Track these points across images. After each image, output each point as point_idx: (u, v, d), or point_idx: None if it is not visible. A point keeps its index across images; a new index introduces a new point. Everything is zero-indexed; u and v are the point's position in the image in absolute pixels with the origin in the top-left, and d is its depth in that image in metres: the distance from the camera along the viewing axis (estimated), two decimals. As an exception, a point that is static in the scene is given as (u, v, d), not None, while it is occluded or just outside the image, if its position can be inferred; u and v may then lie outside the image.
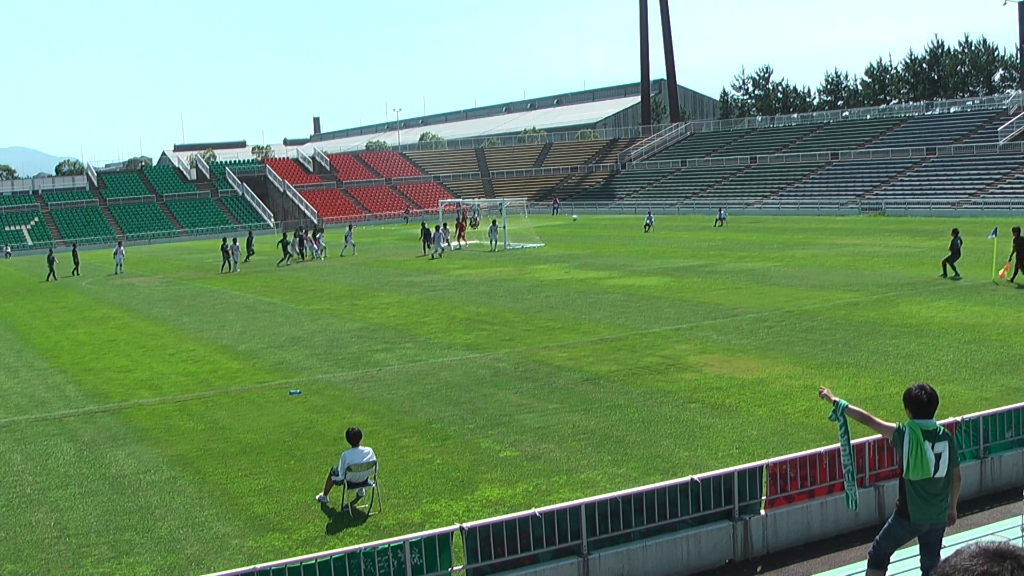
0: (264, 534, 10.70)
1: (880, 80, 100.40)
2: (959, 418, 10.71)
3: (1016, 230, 25.81)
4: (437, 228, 46.67)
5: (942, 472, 7.12)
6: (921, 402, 7.10)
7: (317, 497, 11.54)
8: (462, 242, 51.27)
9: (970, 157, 64.01)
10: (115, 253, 46.87)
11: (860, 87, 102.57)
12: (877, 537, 7.50)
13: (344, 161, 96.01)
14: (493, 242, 48.19)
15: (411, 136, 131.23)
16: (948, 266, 27.66)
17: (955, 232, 27.95)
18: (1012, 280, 25.51)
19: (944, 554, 7.62)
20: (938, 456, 7.10)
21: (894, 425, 7.27)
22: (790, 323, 21.82)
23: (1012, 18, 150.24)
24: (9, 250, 68.41)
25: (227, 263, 43.28)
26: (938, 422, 7.26)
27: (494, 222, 51.12)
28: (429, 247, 46.46)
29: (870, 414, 7.52)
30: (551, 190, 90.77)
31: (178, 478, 12.83)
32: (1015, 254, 25.54)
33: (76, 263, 46.55)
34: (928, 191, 61.41)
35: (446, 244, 47.17)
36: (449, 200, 73.83)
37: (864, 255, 35.51)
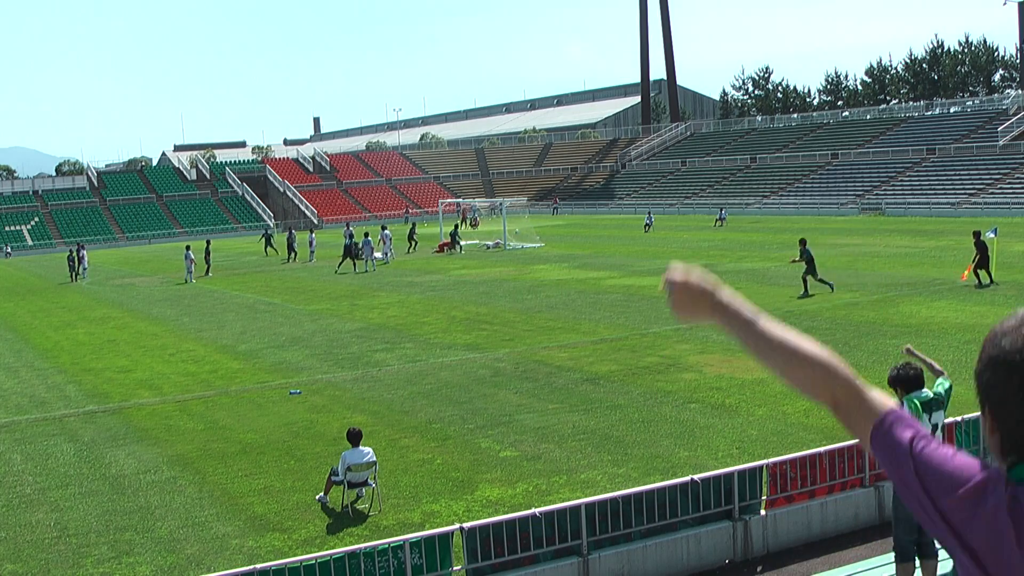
0: (264, 534, 10.70)
1: (880, 80, 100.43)
2: (959, 418, 10.71)
3: (976, 233, 25.75)
4: (366, 236, 41.66)
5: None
6: (908, 377, 7.19)
7: (317, 497, 11.54)
8: (450, 249, 48.26)
9: (970, 157, 64.02)
10: (80, 256, 45.30)
11: (860, 87, 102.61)
12: (894, 531, 7.53)
13: (344, 161, 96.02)
14: (486, 243, 48.45)
15: (411, 136, 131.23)
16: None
17: (976, 233, 25.91)
18: (980, 282, 25.38)
19: (943, 556, 7.64)
20: (935, 427, 7.18)
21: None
22: (790, 323, 21.44)
23: (1012, 18, 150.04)
24: (9, 250, 68.43)
25: (189, 275, 40.21)
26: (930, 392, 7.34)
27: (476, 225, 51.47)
28: (359, 261, 40.55)
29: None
30: (551, 190, 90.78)
31: (178, 478, 12.83)
32: (977, 256, 25.45)
33: (80, 262, 46.34)
34: (928, 191, 61.41)
35: (381, 255, 42.48)
36: (449, 200, 73.82)
37: (864, 255, 35.52)
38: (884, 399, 1.75)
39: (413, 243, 48.87)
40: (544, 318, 24.57)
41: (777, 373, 1.84)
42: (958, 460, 1.60)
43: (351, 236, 41.99)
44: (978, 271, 25.54)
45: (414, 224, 47.48)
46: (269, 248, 52.01)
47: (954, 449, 1.63)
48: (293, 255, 46.90)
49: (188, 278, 39.61)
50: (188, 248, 41.66)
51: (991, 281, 25.46)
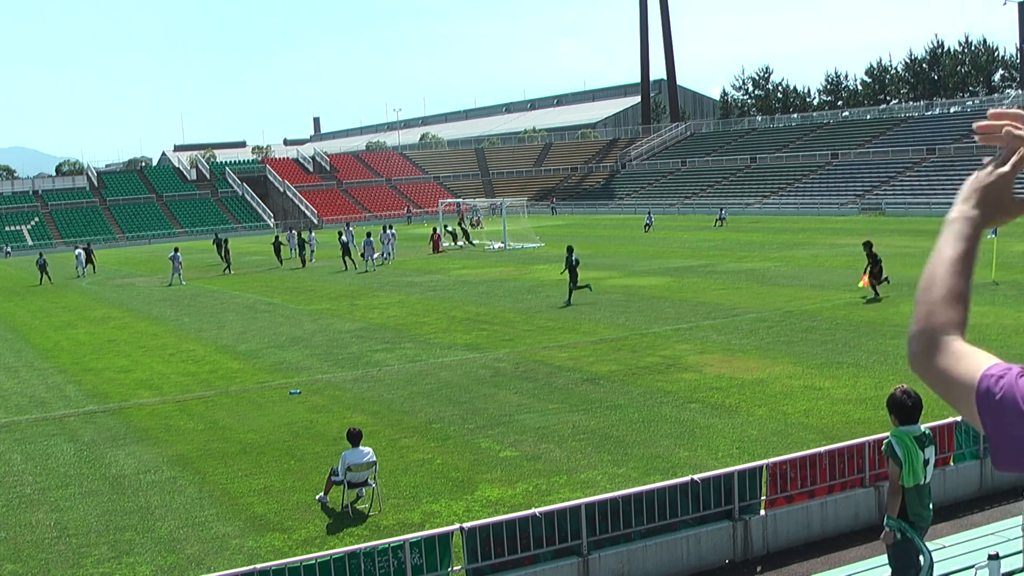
0: (264, 534, 10.70)
1: (880, 80, 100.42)
2: (959, 418, 10.72)
3: (867, 244, 24.81)
4: (368, 235, 41.15)
5: (929, 476, 7.22)
6: (906, 407, 7.06)
7: (317, 497, 11.54)
8: (439, 250, 47.64)
9: (970, 157, 63.96)
10: (76, 256, 46.18)
11: (860, 87, 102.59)
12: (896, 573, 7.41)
13: (344, 161, 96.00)
14: (463, 241, 49.40)
15: (411, 136, 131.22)
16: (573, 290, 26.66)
17: (867, 244, 25.09)
18: (875, 292, 24.35)
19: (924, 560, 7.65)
20: (926, 462, 7.17)
21: (898, 469, 7.18)
22: (790, 323, 21.81)
23: (1012, 18, 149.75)
24: (9, 250, 68.44)
25: (175, 275, 39.23)
26: (933, 424, 7.29)
27: (457, 224, 52.11)
28: (352, 259, 40.65)
29: (891, 500, 7.38)
30: (551, 190, 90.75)
31: (178, 478, 12.83)
32: (869, 265, 24.43)
33: (90, 262, 46.56)
34: (928, 191, 61.40)
35: (378, 255, 41.68)
36: (449, 200, 73.79)
37: (864, 255, 35.47)
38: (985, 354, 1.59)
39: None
40: (544, 318, 24.56)
41: (947, 283, 1.60)
42: None
43: (340, 235, 42.38)
44: (873, 281, 24.33)
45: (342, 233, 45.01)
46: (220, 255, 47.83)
47: None
48: (281, 261, 44.40)
49: (179, 280, 38.93)
50: (176, 250, 40.99)
51: (875, 295, 24.30)
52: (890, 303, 23.74)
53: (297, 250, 47.95)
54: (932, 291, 1.60)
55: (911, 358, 1.61)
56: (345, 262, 40.62)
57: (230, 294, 34.28)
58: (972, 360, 1.55)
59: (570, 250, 27.23)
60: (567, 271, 26.85)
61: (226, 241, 44.70)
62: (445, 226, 52.16)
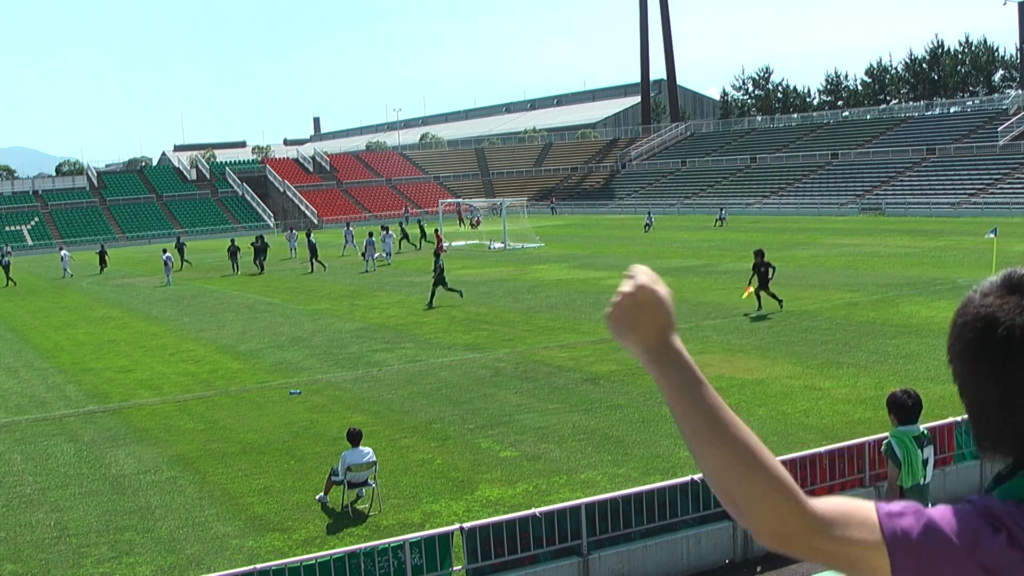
0: (264, 534, 10.70)
1: (880, 80, 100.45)
2: (959, 418, 10.71)
3: (759, 252, 23.68)
4: (369, 235, 40.78)
5: (928, 477, 7.22)
6: (906, 407, 7.11)
7: (317, 497, 11.54)
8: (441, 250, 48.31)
9: (970, 157, 64.03)
10: (62, 257, 46.95)
11: (860, 87, 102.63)
12: None
13: (344, 161, 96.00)
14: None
15: (411, 136, 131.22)
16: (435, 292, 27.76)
17: (758, 252, 23.78)
18: (760, 305, 23.34)
19: None
20: (925, 462, 7.18)
21: (896, 470, 7.23)
22: (790, 323, 21.81)
23: (1012, 18, 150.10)
24: (9, 250, 68.45)
25: (168, 277, 38.94)
26: (933, 424, 7.31)
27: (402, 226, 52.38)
28: (319, 261, 40.23)
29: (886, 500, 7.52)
30: (551, 190, 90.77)
31: (178, 478, 12.83)
32: (754, 275, 23.45)
33: (103, 263, 46.73)
34: (928, 191, 61.43)
35: (379, 255, 41.31)
36: (449, 200, 73.77)
37: (864, 255, 35.52)
38: (858, 501, 1.38)
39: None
40: (544, 318, 24.57)
41: (714, 458, 1.44)
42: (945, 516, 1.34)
43: (308, 234, 42.86)
44: (759, 292, 23.30)
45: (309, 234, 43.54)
46: (184, 261, 46.33)
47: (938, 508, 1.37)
48: (262, 268, 41.91)
49: (167, 280, 38.78)
50: (165, 251, 41.13)
51: (779, 304, 23.22)
52: (890, 303, 23.74)
53: (297, 251, 47.97)
54: (737, 480, 1.38)
55: (788, 548, 1.36)
56: (312, 264, 40.40)
57: (230, 294, 34.28)
58: (855, 504, 1.35)
59: (437, 255, 28.59)
60: (435, 272, 27.87)
61: (233, 242, 44.58)
62: (401, 223, 52.74)
